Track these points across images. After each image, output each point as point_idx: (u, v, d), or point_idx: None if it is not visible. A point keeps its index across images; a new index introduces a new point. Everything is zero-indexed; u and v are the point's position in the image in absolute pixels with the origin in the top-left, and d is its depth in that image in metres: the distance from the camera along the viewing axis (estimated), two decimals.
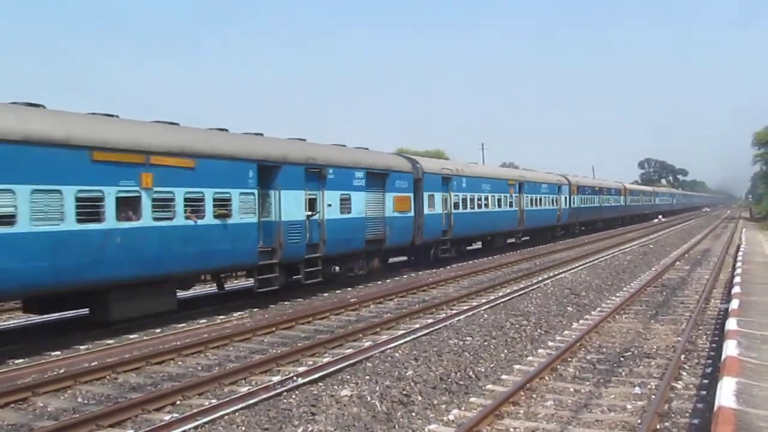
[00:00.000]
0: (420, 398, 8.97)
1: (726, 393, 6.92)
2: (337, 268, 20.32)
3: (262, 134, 17.67)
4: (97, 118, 13.23)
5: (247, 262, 16.17)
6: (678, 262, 26.67)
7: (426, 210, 24.42)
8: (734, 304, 13.01)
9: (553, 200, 40.48)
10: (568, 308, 16.04)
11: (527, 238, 38.34)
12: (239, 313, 16.41)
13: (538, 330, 13.49)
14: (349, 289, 20.48)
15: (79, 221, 11.86)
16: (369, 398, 8.77)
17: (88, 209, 12.08)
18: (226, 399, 9.10)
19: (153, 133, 13.78)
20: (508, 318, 14.51)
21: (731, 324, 10.73)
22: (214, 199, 14.69)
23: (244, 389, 9.70)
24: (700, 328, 13.54)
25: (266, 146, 16.88)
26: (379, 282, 22.08)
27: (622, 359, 11.10)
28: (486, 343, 12.12)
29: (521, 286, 20.08)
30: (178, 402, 9.27)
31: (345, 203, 19.39)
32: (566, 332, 13.45)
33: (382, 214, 21.51)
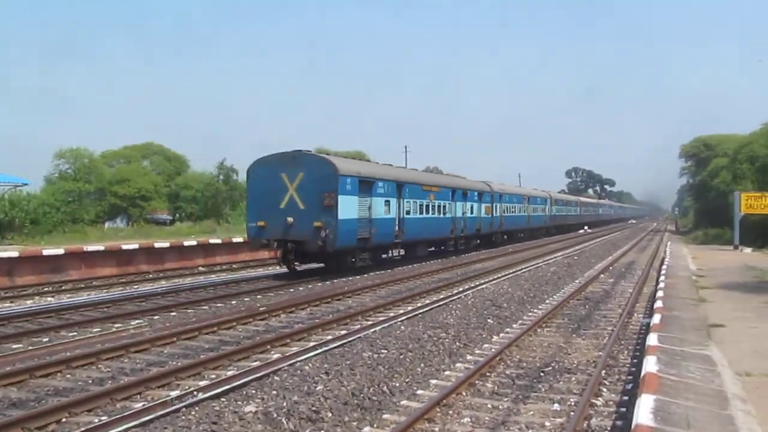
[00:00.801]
0: (330, 415, 8.91)
1: (644, 411, 7.14)
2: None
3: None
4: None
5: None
6: (602, 275, 27.53)
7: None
8: (656, 318, 13.50)
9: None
10: (489, 320, 16.30)
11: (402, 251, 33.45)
12: (137, 321, 15.98)
13: (457, 343, 13.65)
14: (259, 296, 20.29)
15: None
16: (275, 415, 8.65)
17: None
18: (119, 416, 8.79)
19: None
20: (426, 330, 14.63)
21: (652, 339, 11.13)
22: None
23: (139, 405, 9.42)
24: (622, 342, 13.98)
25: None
26: (291, 290, 21.96)
27: (542, 374, 11.34)
28: (402, 357, 12.17)
29: (441, 296, 20.29)
30: (64, 419, 8.90)
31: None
32: (486, 346, 13.66)
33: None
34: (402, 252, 33.07)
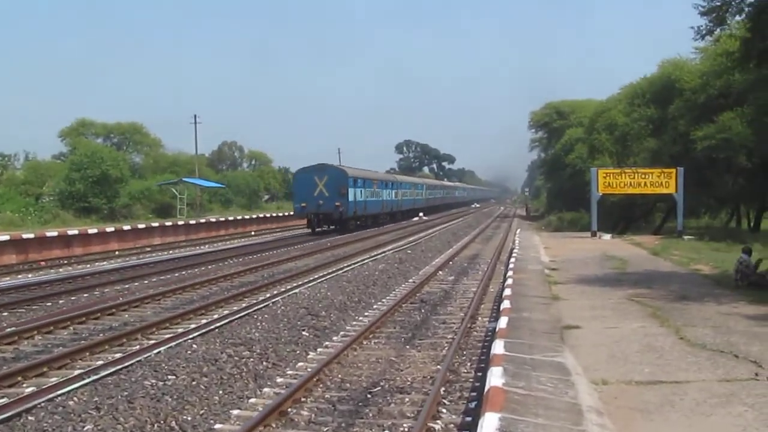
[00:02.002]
0: None
1: None
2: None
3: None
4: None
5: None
6: (440, 272, 28.62)
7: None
8: (502, 322, 14.25)
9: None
10: (304, 333, 16.56)
11: None
12: None
13: (264, 363, 13.78)
14: (5, 313, 19.42)
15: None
16: None
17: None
18: None
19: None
20: (225, 348, 14.65)
21: (497, 347, 11.76)
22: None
23: None
24: (465, 353, 14.67)
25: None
26: (49, 304, 21.21)
27: (369, 396, 11.70)
28: (195, 383, 12.13)
29: (243, 305, 20.32)
30: None
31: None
32: (300, 364, 13.88)
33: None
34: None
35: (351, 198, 55.05)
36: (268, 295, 22.17)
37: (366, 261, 32.07)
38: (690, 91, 41.37)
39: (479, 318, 18.67)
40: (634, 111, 47.50)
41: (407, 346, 15.48)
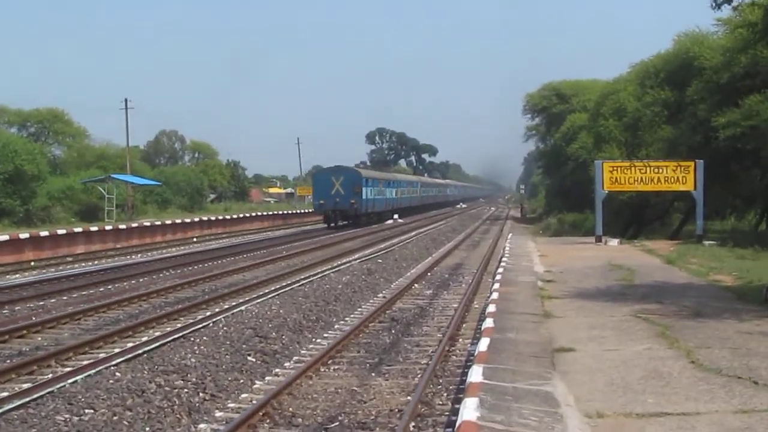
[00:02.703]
0: None
1: None
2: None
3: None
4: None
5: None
6: (416, 285, 28.78)
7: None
8: (482, 344, 14.31)
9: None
10: (250, 358, 16.59)
11: None
12: None
13: (201, 394, 13.79)
14: None
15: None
16: None
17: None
18: None
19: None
20: (155, 377, 14.63)
21: (474, 374, 11.81)
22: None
23: None
24: (440, 380, 14.76)
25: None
26: None
27: None
28: (117, 419, 12.12)
29: (178, 326, 20.33)
30: None
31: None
32: (244, 395, 13.91)
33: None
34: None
35: (364, 196, 72.28)
36: (208, 314, 22.18)
37: (327, 272, 32.07)
38: (711, 70, 40.93)
39: (460, 339, 18.77)
40: (647, 94, 47.36)
41: (373, 374, 15.56)
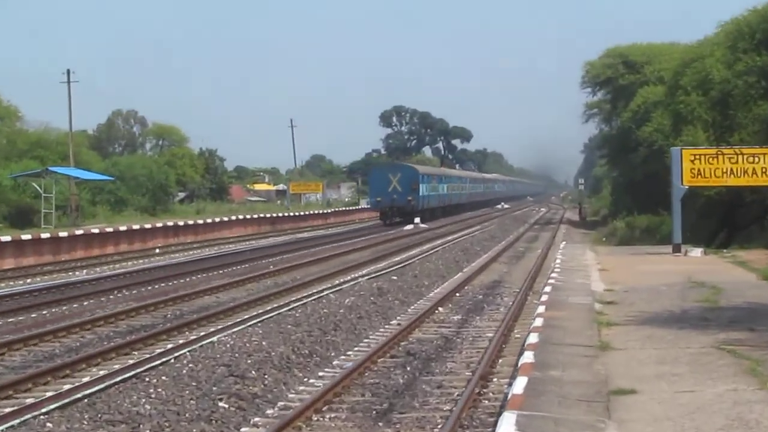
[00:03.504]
0: None
1: None
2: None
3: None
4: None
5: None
6: (441, 308, 28.68)
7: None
8: (519, 385, 14.28)
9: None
10: (221, 404, 16.54)
11: None
12: None
13: None
14: None
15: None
16: None
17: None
18: None
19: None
20: (96, 429, 14.60)
21: (506, 425, 11.78)
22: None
23: None
24: None
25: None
26: None
27: None
28: None
29: (130, 362, 20.29)
30: None
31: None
32: None
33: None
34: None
35: (421, 193, 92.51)
36: (170, 347, 22.13)
37: (325, 292, 31.95)
38: None
39: (494, 379, 18.64)
40: (739, 60, 47.15)
41: (380, 424, 15.50)
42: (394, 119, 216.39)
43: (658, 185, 54.15)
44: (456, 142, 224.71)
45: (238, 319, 26.29)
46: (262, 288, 34.30)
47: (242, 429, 15.26)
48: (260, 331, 23.87)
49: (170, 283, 37.23)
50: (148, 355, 21.06)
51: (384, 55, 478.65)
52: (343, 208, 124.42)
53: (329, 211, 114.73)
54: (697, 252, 40.86)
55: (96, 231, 58.70)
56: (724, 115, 47.54)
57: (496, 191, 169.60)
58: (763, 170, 40.52)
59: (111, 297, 32.78)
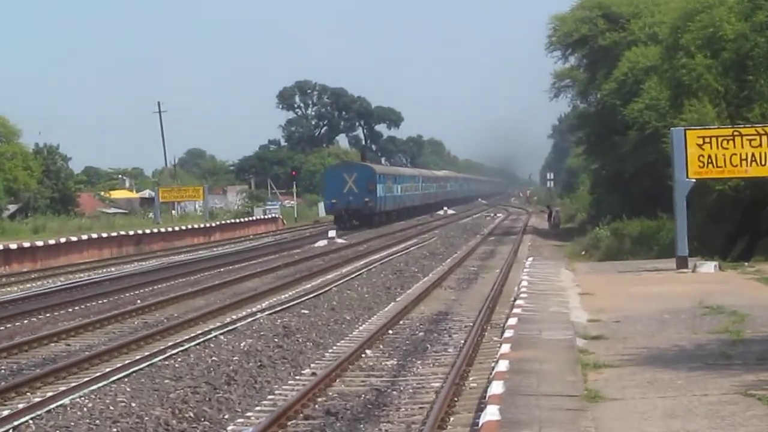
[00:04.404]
0: None
1: None
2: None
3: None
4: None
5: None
6: (369, 351, 28.64)
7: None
8: None
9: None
10: None
11: None
12: None
13: None
14: None
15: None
16: None
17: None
18: None
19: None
20: None
21: None
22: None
23: None
24: None
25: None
26: None
27: None
28: None
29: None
30: None
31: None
32: None
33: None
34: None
35: (379, 194, 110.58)
36: (5, 413, 21.84)
37: (213, 333, 31.79)
38: None
39: None
40: (759, 9, 47.33)
41: None
42: (297, 99, 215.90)
43: (653, 179, 54.30)
44: (381, 127, 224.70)
45: (98, 373, 26.02)
46: (127, 330, 34.13)
47: None
48: (128, 389, 23.69)
49: (0, 328, 36.74)
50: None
51: (281, 15, 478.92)
52: (233, 221, 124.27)
53: (214, 224, 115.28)
54: (709, 267, 41.00)
55: None
56: (740, 83, 47.59)
57: (449, 191, 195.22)
58: None
59: None
